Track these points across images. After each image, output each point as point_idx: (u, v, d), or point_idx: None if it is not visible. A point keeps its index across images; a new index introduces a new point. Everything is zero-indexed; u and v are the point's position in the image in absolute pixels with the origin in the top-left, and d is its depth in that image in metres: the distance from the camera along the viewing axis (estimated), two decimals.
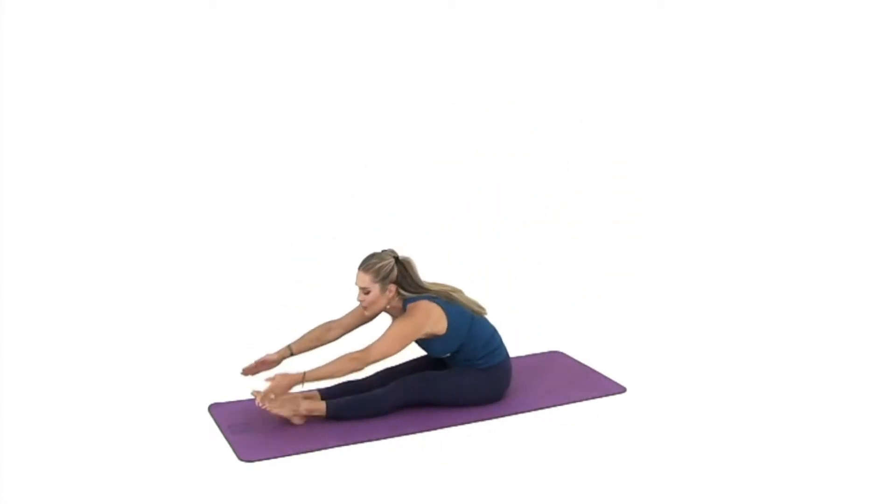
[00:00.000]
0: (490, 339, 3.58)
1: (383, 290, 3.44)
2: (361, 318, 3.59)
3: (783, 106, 5.98)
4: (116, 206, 5.43)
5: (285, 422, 3.35)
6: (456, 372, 3.53)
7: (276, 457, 3.11)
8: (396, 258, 3.47)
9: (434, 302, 3.47)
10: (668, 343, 4.22)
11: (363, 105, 5.88)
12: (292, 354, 3.54)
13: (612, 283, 5.07)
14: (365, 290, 3.44)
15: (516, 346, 3.87)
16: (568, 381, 3.78)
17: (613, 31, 6.12)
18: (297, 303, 4.71)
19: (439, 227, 5.52)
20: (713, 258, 5.34)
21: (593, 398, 3.62)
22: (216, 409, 3.45)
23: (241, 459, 3.09)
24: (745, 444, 3.24)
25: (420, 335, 3.46)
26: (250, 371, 3.50)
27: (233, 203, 5.62)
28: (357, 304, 3.54)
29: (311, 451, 3.16)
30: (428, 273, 4.48)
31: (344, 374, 3.36)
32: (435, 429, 3.34)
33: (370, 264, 3.45)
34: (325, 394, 3.45)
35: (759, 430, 3.35)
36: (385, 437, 3.26)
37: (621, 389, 3.70)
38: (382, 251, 3.49)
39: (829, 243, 5.41)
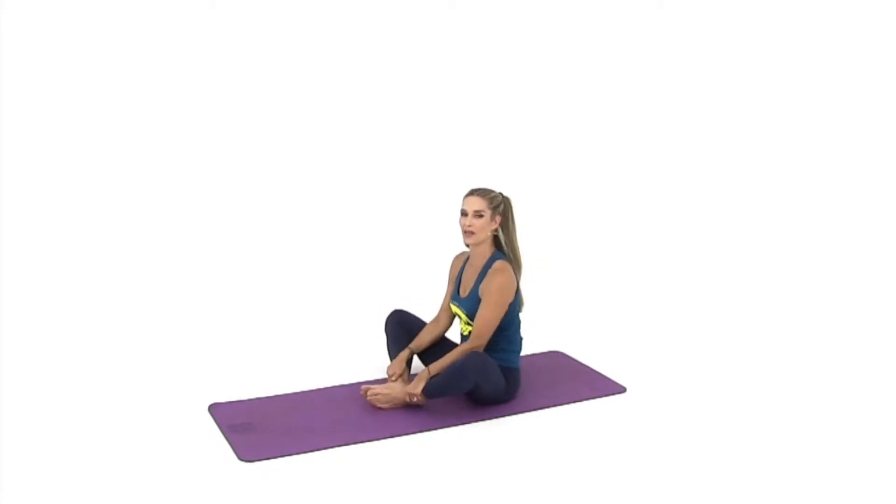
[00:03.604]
0: (518, 339, 3.58)
1: (493, 218, 3.49)
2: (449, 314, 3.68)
3: (783, 105, 5.99)
4: (117, 206, 5.43)
5: (285, 421, 3.35)
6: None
7: (276, 457, 3.11)
8: (502, 195, 3.54)
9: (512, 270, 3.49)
10: (668, 343, 4.22)
11: (363, 105, 5.88)
12: (412, 354, 3.67)
13: (611, 282, 5.08)
14: (478, 213, 3.46)
15: None
16: (568, 381, 3.78)
17: (613, 30, 6.12)
18: (297, 302, 4.72)
19: (438, 227, 5.51)
20: (713, 258, 5.35)
21: (593, 398, 3.63)
22: (216, 409, 3.45)
23: (241, 459, 3.09)
24: (745, 444, 3.24)
25: (510, 301, 3.47)
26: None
27: (233, 202, 5.62)
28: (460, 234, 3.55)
29: (311, 451, 3.16)
30: (427, 273, 4.47)
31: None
32: (435, 429, 3.34)
33: (484, 191, 3.51)
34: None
35: (758, 430, 3.35)
36: (385, 437, 3.27)
37: (621, 389, 3.70)
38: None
39: (829, 243, 5.42)
